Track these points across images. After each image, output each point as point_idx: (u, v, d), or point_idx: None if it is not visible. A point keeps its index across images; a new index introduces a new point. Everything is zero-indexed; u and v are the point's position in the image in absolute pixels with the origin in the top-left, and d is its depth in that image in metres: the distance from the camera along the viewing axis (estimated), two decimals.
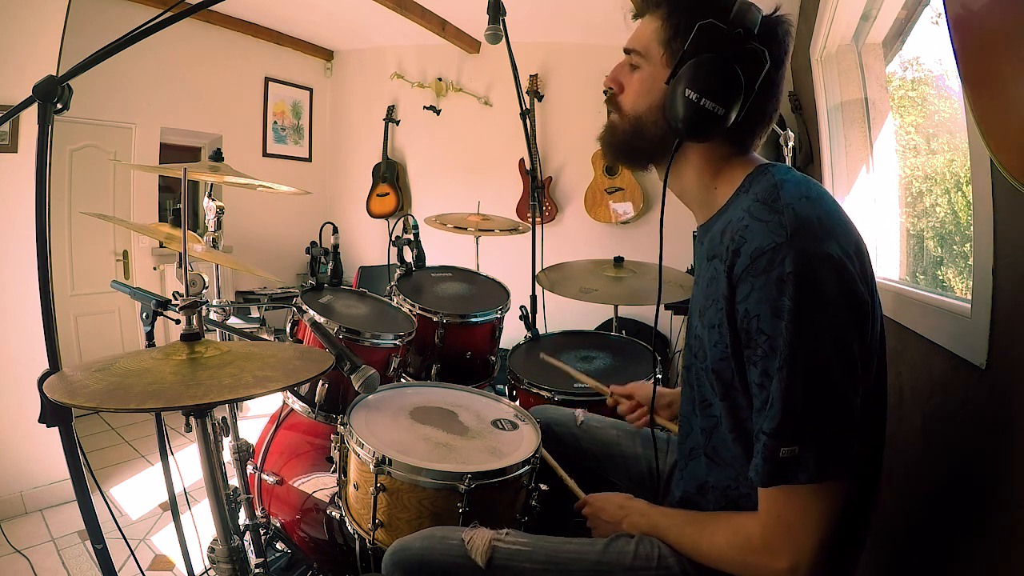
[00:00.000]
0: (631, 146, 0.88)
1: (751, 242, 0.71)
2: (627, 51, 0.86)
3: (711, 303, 0.78)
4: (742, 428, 0.78)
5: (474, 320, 1.76)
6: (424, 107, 4.29)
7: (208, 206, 1.53)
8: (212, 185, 1.61)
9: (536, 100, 3.88)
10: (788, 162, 1.97)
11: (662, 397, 1.26)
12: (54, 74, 0.93)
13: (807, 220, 0.71)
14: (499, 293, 1.95)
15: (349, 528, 1.19)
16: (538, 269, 2.05)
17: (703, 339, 0.81)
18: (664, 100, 0.80)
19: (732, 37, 0.76)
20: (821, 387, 0.69)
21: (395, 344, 1.51)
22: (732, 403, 0.78)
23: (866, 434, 0.73)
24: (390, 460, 1.06)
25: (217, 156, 1.53)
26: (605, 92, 0.90)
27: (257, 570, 1.52)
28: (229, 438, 1.52)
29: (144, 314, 1.20)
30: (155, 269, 3.74)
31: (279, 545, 1.75)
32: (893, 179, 1.89)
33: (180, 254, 1.17)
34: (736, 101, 0.76)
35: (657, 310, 1.08)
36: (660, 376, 1.62)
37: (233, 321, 1.59)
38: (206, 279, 1.33)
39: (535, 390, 1.58)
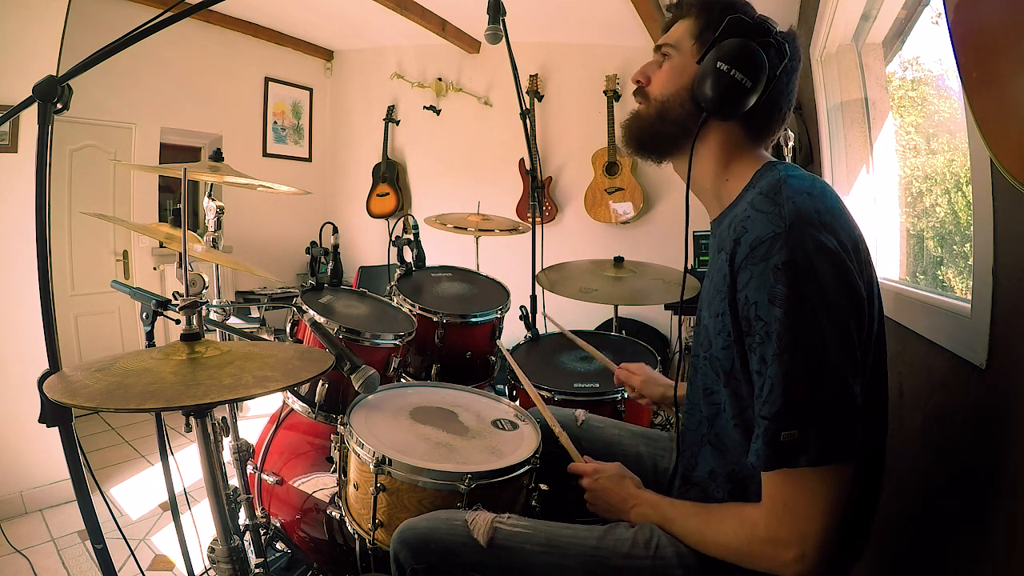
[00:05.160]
0: (654, 131, 0.92)
1: (751, 232, 0.74)
2: (658, 47, 0.93)
3: (716, 293, 0.81)
4: (743, 416, 0.80)
5: (474, 320, 1.76)
6: (424, 107, 4.29)
7: (208, 206, 1.53)
8: (212, 185, 1.61)
9: (536, 100, 3.88)
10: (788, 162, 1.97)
11: (656, 386, 1.29)
12: (54, 74, 0.93)
13: (806, 213, 0.73)
14: (499, 293, 1.95)
15: (349, 528, 1.19)
16: (538, 269, 2.05)
17: (708, 328, 0.84)
18: (692, 82, 0.85)
19: (758, 30, 0.83)
20: (819, 370, 0.70)
21: (395, 344, 1.51)
22: (734, 391, 0.80)
23: (866, 428, 0.74)
24: (390, 460, 1.06)
25: (217, 156, 1.53)
26: (634, 84, 0.95)
27: (257, 570, 1.52)
28: (229, 438, 1.52)
29: (144, 314, 1.20)
30: (155, 269, 3.74)
31: (279, 545, 1.75)
32: (893, 179, 1.89)
33: (180, 254, 1.17)
34: (761, 79, 0.81)
35: (681, 298, 1.09)
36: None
37: (233, 321, 1.59)
38: (206, 279, 1.33)
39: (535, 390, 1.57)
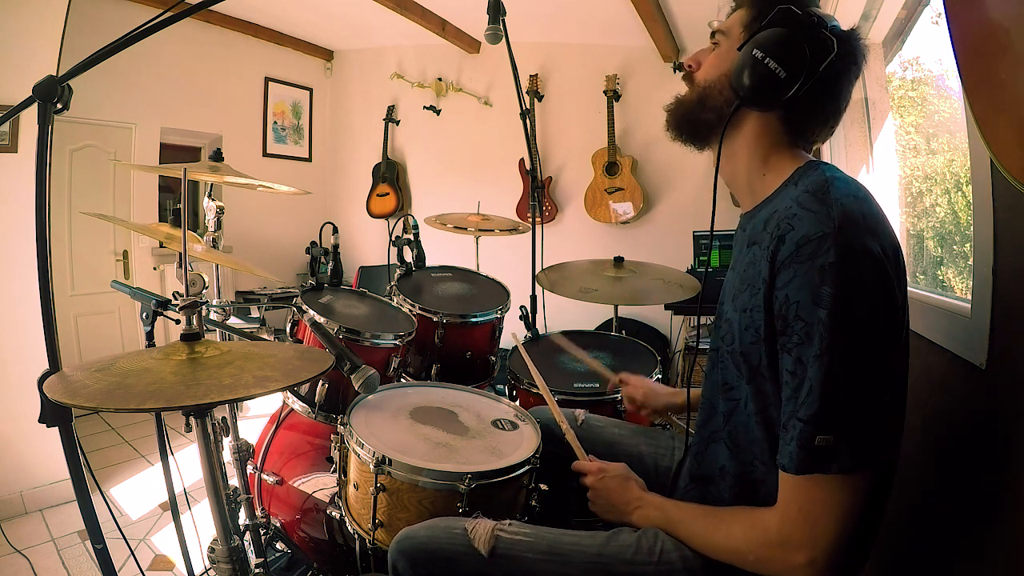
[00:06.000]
0: (693, 116, 0.92)
1: (797, 230, 0.73)
2: (712, 34, 0.93)
3: (746, 287, 0.80)
4: (765, 413, 0.79)
5: (474, 320, 1.76)
6: (424, 107, 4.30)
7: (208, 206, 1.54)
8: (212, 185, 1.61)
9: (536, 100, 3.88)
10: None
11: (659, 396, 1.29)
12: (54, 74, 0.93)
13: (854, 216, 0.73)
14: (499, 293, 1.95)
15: (349, 528, 1.19)
16: (538, 269, 2.05)
17: (733, 322, 0.82)
18: (732, 69, 0.85)
19: (806, 23, 0.82)
20: (858, 377, 0.69)
21: (395, 344, 1.51)
22: (758, 388, 0.79)
23: (889, 434, 0.74)
24: (390, 460, 1.06)
25: (217, 156, 1.53)
26: (685, 69, 0.96)
27: (257, 570, 1.52)
28: (229, 438, 1.52)
29: (144, 314, 1.20)
30: (155, 269, 3.74)
31: (279, 545, 1.75)
32: (893, 179, 1.89)
33: (180, 254, 1.17)
34: (798, 71, 0.79)
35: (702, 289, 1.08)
36: (660, 377, 1.62)
37: (233, 321, 1.59)
38: (206, 279, 1.33)
39: (535, 390, 1.57)
